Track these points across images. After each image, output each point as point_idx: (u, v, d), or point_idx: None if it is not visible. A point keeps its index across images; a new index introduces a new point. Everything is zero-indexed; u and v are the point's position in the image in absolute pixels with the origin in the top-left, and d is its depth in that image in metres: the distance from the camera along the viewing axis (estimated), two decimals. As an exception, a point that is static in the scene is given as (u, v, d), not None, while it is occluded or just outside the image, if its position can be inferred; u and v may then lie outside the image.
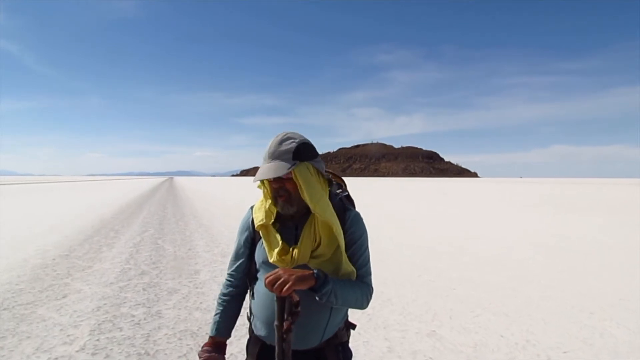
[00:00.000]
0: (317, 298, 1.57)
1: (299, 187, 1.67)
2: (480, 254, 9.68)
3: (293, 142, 1.68)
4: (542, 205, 25.95)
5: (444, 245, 10.79)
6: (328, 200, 1.73)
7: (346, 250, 1.73)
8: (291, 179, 1.67)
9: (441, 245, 10.78)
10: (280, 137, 1.70)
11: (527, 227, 14.61)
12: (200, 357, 1.84)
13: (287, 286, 1.45)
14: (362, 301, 1.73)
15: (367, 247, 1.80)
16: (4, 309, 5.46)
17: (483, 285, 6.87)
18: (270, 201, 1.77)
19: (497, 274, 7.68)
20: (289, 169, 1.63)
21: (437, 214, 19.97)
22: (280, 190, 1.68)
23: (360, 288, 1.71)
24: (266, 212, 1.76)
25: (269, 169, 1.64)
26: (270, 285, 1.47)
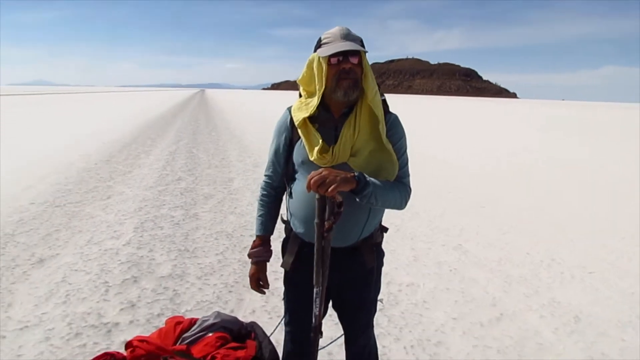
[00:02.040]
0: (357, 200, 1.61)
1: (364, 74, 1.70)
2: (513, 174, 9.65)
3: (356, 34, 1.72)
4: (577, 130, 25.11)
5: (476, 164, 10.77)
6: (379, 95, 1.76)
7: None
8: (359, 64, 1.69)
9: (473, 164, 10.77)
10: (344, 27, 1.72)
11: (561, 151, 14.30)
12: (251, 257, 1.98)
13: (332, 187, 1.48)
14: (401, 202, 1.79)
15: (406, 149, 1.83)
16: (56, 206, 5.89)
17: (512, 204, 6.94)
18: (312, 99, 1.76)
19: (527, 194, 7.71)
20: (365, 51, 1.68)
21: (470, 133, 19.67)
22: (350, 72, 1.67)
23: (399, 189, 1.76)
24: (308, 109, 1.76)
25: (348, 45, 1.64)
26: (316, 185, 1.49)
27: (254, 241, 2.01)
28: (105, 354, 1.90)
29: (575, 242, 5.25)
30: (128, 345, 1.94)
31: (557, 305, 3.68)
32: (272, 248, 2.03)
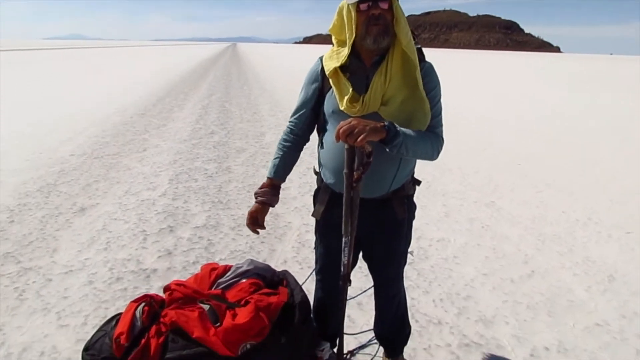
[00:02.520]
0: (387, 150, 1.59)
1: (395, 19, 1.64)
2: (552, 132, 9.33)
3: None
4: (623, 86, 23.87)
5: (513, 121, 10.45)
6: (413, 41, 1.70)
7: None
8: (389, 9, 1.63)
9: (510, 120, 10.46)
10: None
11: (603, 108, 13.68)
12: (256, 196, 1.97)
13: (362, 136, 1.45)
14: (432, 152, 1.74)
15: (440, 99, 1.78)
16: (95, 158, 6.09)
17: (550, 163, 6.75)
18: (343, 48, 1.73)
19: (566, 153, 7.47)
20: None
21: (508, 88, 18.99)
22: (380, 18, 1.62)
23: (430, 139, 1.71)
24: (339, 58, 1.72)
25: None
26: (345, 135, 1.47)
27: (264, 182, 2.00)
28: (146, 295, 1.99)
29: (615, 202, 5.09)
30: (166, 288, 2.03)
31: (592, 264, 3.63)
32: (279, 196, 2.01)
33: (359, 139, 1.46)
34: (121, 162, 5.96)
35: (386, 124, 1.55)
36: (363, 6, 1.61)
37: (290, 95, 13.43)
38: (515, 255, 3.70)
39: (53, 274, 3.15)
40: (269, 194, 1.96)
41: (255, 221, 1.99)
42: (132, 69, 23.77)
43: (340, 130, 1.48)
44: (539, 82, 25.46)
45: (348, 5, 1.64)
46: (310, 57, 46.19)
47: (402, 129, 1.60)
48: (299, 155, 2.02)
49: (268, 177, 2.00)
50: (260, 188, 1.99)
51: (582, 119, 11.39)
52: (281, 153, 1.98)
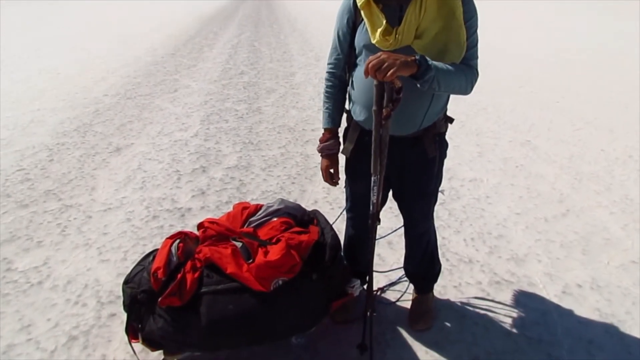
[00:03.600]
0: (418, 85, 1.53)
1: None
2: (595, 66, 8.81)
3: None
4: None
5: (552, 55, 9.89)
6: None
7: None
8: None
9: (548, 55, 9.90)
10: None
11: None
12: (322, 151, 1.98)
13: (391, 71, 1.39)
14: (467, 87, 1.67)
15: (476, 29, 1.69)
16: (128, 99, 6.15)
17: (591, 99, 6.43)
18: None
19: (608, 88, 7.07)
20: None
21: (545, 21, 17.87)
22: None
23: (464, 73, 1.64)
24: None
25: None
26: (374, 69, 1.42)
27: (323, 134, 2.00)
28: (180, 232, 2.05)
29: (659, 140, 4.86)
30: (200, 226, 2.08)
31: (630, 202, 3.54)
32: (340, 140, 2.01)
33: (388, 74, 1.40)
34: (153, 102, 6.01)
35: (417, 57, 1.48)
36: None
37: (320, 33, 13.05)
38: (549, 195, 3.62)
39: (93, 211, 3.29)
40: (333, 145, 1.98)
41: (331, 174, 2.03)
42: (162, 6, 23.41)
43: (369, 65, 1.43)
44: (575, 11, 23.83)
45: None
46: (341, -8, 44.41)
47: (435, 62, 1.53)
48: (346, 95, 1.97)
49: (325, 129, 1.99)
50: (322, 142, 1.99)
51: (627, 50, 10.68)
52: (329, 102, 1.96)
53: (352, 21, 1.78)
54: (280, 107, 5.88)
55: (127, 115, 5.42)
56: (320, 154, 2.02)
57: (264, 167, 4.06)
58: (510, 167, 4.13)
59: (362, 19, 1.70)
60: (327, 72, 1.96)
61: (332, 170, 2.03)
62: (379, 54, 1.45)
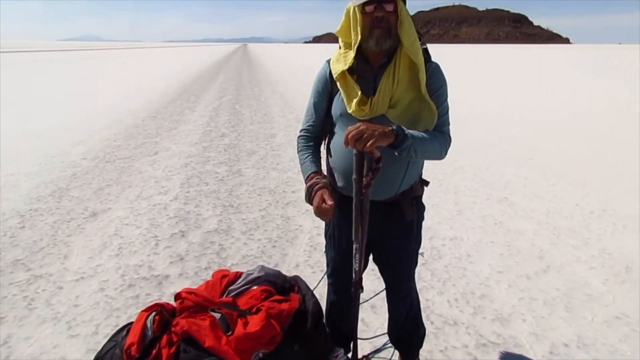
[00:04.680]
0: (396, 154, 1.57)
1: (399, 21, 1.63)
2: (563, 123, 9.21)
3: None
4: (630, 74, 23.41)
5: (523, 113, 10.32)
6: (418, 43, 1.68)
7: None
8: (393, 12, 1.62)
9: (520, 113, 10.33)
10: None
11: (614, 98, 13.43)
12: (312, 188, 1.76)
13: (370, 141, 1.43)
14: (441, 152, 1.72)
15: (446, 98, 1.76)
16: (107, 162, 6.13)
17: (562, 155, 6.65)
18: (350, 51, 1.71)
19: (579, 143, 7.36)
20: None
21: (518, 81, 18.76)
22: (383, 21, 1.62)
23: (438, 139, 1.69)
24: (346, 61, 1.72)
25: None
26: (353, 140, 1.45)
27: (308, 178, 1.82)
28: (156, 304, 1.98)
29: (629, 192, 5.02)
30: (177, 297, 2.02)
31: (608, 256, 3.59)
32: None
33: (368, 144, 1.44)
34: (133, 165, 5.99)
35: (394, 127, 1.53)
36: (368, 8, 1.61)
37: (300, 95, 13.42)
38: (529, 251, 3.65)
39: (64, 282, 3.16)
40: (321, 179, 1.80)
41: (327, 208, 1.70)
42: (144, 71, 23.92)
43: (349, 135, 1.47)
44: (546, 73, 25.12)
45: (354, 7, 1.64)
46: (320, 57, 46.12)
47: (410, 131, 1.59)
48: (320, 154, 1.95)
49: (310, 173, 1.83)
50: (309, 181, 1.80)
51: (592, 108, 11.20)
52: (307, 152, 1.90)
53: (328, 91, 1.84)
54: (260, 169, 5.92)
55: (105, 179, 5.37)
56: (310, 195, 1.77)
57: (245, 231, 4.02)
58: (489, 224, 4.17)
59: (338, 89, 1.76)
60: (301, 135, 1.97)
61: (329, 203, 1.69)
62: (357, 124, 1.48)
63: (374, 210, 1.72)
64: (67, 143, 7.12)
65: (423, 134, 1.64)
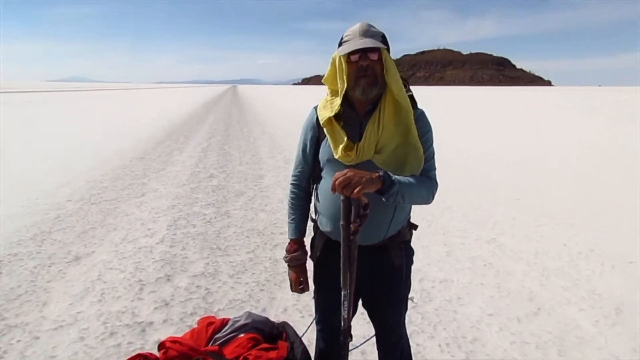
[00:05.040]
0: (383, 199, 1.58)
1: (385, 69, 1.68)
2: (548, 163, 9.35)
3: (378, 29, 1.71)
4: (616, 115, 24.11)
5: (510, 154, 10.48)
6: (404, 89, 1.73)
7: None
8: (378, 60, 1.67)
9: (507, 154, 10.49)
10: (365, 23, 1.70)
11: (597, 138, 13.76)
12: (289, 262, 1.98)
13: (357, 188, 1.44)
14: (428, 197, 1.75)
15: (432, 143, 1.80)
16: (92, 204, 6.05)
17: (549, 195, 6.72)
18: (336, 98, 1.76)
19: (564, 184, 7.45)
20: (384, 47, 1.66)
21: (502, 123, 19.17)
22: (368, 70, 1.65)
23: (425, 184, 1.72)
24: (332, 108, 1.76)
25: (365, 42, 1.63)
26: (341, 186, 1.46)
27: (290, 244, 2.02)
28: (139, 355, 1.91)
29: (615, 232, 5.06)
30: (161, 346, 1.95)
31: (597, 297, 3.57)
32: (307, 249, 2.04)
33: (355, 191, 1.45)
34: (119, 207, 5.92)
35: (381, 174, 1.54)
36: (353, 57, 1.66)
37: (289, 136, 13.54)
38: (519, 293, 3.63)
39: (41, 331, 3.03)
40: (300, 255, 2.00)
41: (300, 285, 2.04)
42: (134, 112, 24.05)
43: (336, 182, 1.47)
44: (531, 114, 25.75)
45: (339, 56, 1.69)
46: (308, 98, 46.93)
47: (397, 177, 1.60)
48: (310, 205, 2.05)
49: (292, 239, 2.02)
50: (289, 253, 2.01)
51: (577, 148, 11.43)
52: (295, 212, 2.01)
53: (316, 137, 1.88)
54: (249, 210, 5.89)
55: (89, 222, 5.29)
56: (287, 265, 2.01)
57: (232, 274, 3.95)
58: (479, 265, 4.15)
59: (325, 135, 1.79)
60: (291, 183, 2.03)
61: (301, 280, 2.02)
62: (345, 171, 1.50)
63: (362, 255, 1.71)
64: (52, 184, 7.04)
65: (410, 179, 1.66)
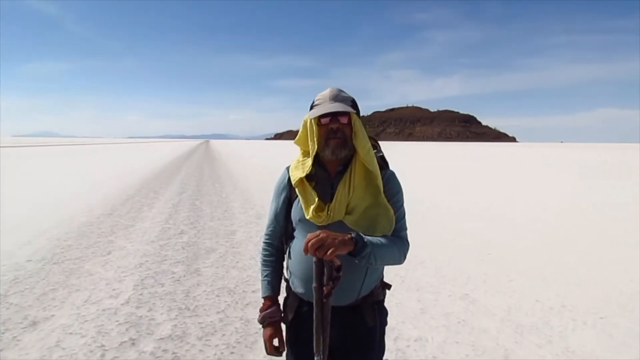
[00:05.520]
0: (356, 261, 1.58)
1: (354, 132, 1.74)
2: (516, 217, 9.54)
3: (348, 94, 1.80)
4: (579, 170, 25.11)
5: (480, 209, 10.67)
6: (372, 152, 1.79)
7: None
8: (348, 124, 1.74)
9: (476, 209, 10.67)
10: (335, 88, 1.79)
11: (563, 192, 14.22)
12: (263, 320, 1.89)
13: (330, 250, 1.44)
14: (400, 257, 1.76)
15: (402, 203, 1.83)
16: (54, 263, 5.79)
17: (519, 249, 6.81)
18: (308, 159, 1.80)
19: (533, 238, 7.58)
20: (353, 111, 1.73)
21: (472, 178, 19.66)
22: (338, 132, 1.72)
23: (396, 244, 1.73)
24: (304, 168, 1.80)
25: (335, 106, 1.70)
26: (313, 248, 1.45)
27: (263, 303, 1.95)
28: None
29: (586, 286, 5.11)
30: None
31: (571, 354, 3.55)
32: (281, 307, 1.97)
33: (328, 253, 1.44)
34: (83, 267, 5.68)
35: (354, 235, 1.55)
36: (324, 120, 1.72)
37: (261, 191, 13.52)
38: (494, 351, 3.58)
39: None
40: (274, 312, 1.92)
41: (275, 345, 1.90)
42: (103, 167, 23.69)
43: (309, 244, 1.46)
44: (499, 169, 26.56)
45: (310, 119, 1.75)
46: (280, 153, 47.35)
47: (370, 238, 1.61)
48: (283, 263, 2.01)
49: (265, 297, 1.95)
50: (263, 311, 1.92)
51: (545, 203, 11.74)
52: (268, 269, 1.97)
53: (288, 197, 1.90)
54: (220, 267, 5.74)
55: (50, 283, 5.03)
56: (261, 324, 1.92)
57: (201, 336, 3.78)
58: (453, 322, 4.10)
59: (297, 195, 1.81)
60: (264, 242, 2.01)
61: (276, 340, 1.92)
62: (317, 232, 1.49)
63: (335, 316, 1.67)
64: (12, 243, 6.75)
65: (382, 240, 1.67)
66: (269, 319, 1.90)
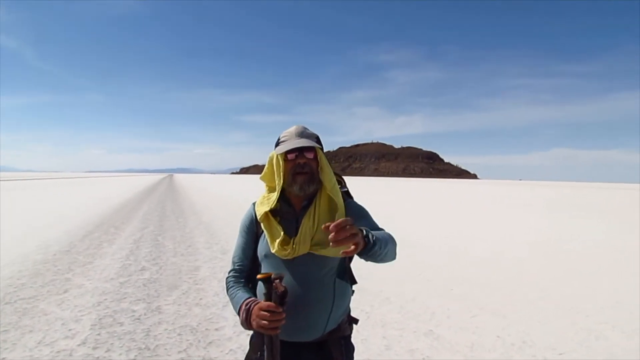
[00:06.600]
0: (362, 258, 1.53)
1: (320, 167, 1.80)
2: (479, 253, 9.74)
3: (312, 132, 1.87)
4: (538, 207, 26.00)
5: (443, 245, 10.85)
6: (337, 186, 1.86)
7: None
8: (314, 159, 1.80)
9: (440, 244, 10.84)
10: (300, 125, 1.85)
11: (523, 228, 14.66)
12: (248, 307, 1.66)
13: (352, 245, 1.38)
14: (395, 251, 1.74)
15: (371, 217, 1.89)
16: (6, 303, 5.51)
17: (481, 285, 6.93)
18: (273, 194, 1.84)
19: (495, 274, 7.74)
20: (319, 147, 1.81)
21: (435, 214, 20.02)
22: (305, 167, 1.76)
23: (392, 240, 1.70)
24: (269, 203, 1.83)
25: (302, 142, 1.75)
26: (337, 227, 1.33)
27: (244, 302, 1.70)
28: None
29: (545, 323, 5.22)
30: None
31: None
32: None
33: (351, 249, 1.38)
34: (37, 306, 5.43)
35: (365, 234, 1.48)
36: (290, 155, 1.77)
37: (227, 225, 13.36)
38: (460, 388, 3.59)
39: None
40: (255, 299, 1.70)
41: (268, 308, 1.56)
42: (62, 202, 22.90)
43: (340, 224, 1.34)
44: (459, 205, 27.18)
45: (277, 155, 1.80)
46: (246, 186, 47.00)
47: (375, 233, 1.57)
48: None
49: (243, 300, 1.71)
50: (245, 306, 1.68)
51: (506, 239, 12.06)
52: (238, 286, 1.83)
53: (254, 232, 1.91)
54: (182, 304, 5.59)
55: (1, 324, 4.77)
56: (245, 315, 1.65)
57: (161, 377, 3.65)
58: (418, 359, 4.11)
59: (263, 230, 1.83)
60: (232, 274, 1.90)
61: (267, 303, 1.56)
62: (345, 219, 1.37)
63: (300, 352, 1.70)
64: (-38, 282, 6.40)
65: (384, 234, 1.65)
66: (253, 303, 1.66)
